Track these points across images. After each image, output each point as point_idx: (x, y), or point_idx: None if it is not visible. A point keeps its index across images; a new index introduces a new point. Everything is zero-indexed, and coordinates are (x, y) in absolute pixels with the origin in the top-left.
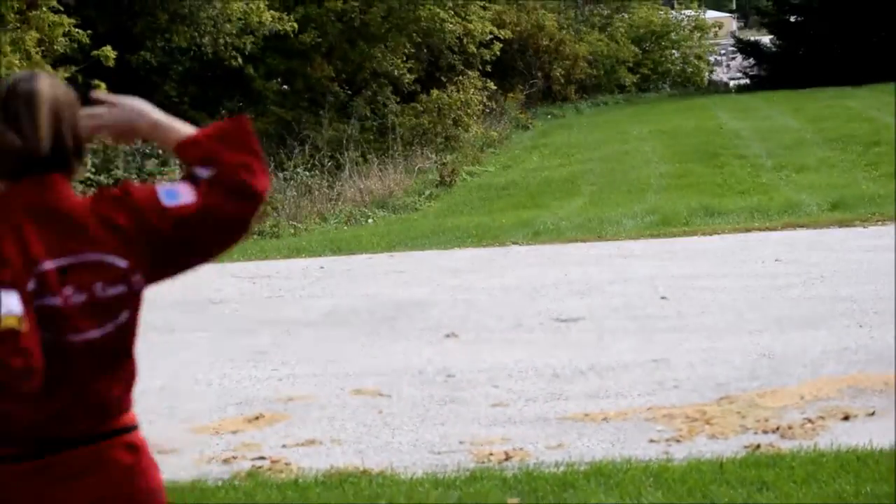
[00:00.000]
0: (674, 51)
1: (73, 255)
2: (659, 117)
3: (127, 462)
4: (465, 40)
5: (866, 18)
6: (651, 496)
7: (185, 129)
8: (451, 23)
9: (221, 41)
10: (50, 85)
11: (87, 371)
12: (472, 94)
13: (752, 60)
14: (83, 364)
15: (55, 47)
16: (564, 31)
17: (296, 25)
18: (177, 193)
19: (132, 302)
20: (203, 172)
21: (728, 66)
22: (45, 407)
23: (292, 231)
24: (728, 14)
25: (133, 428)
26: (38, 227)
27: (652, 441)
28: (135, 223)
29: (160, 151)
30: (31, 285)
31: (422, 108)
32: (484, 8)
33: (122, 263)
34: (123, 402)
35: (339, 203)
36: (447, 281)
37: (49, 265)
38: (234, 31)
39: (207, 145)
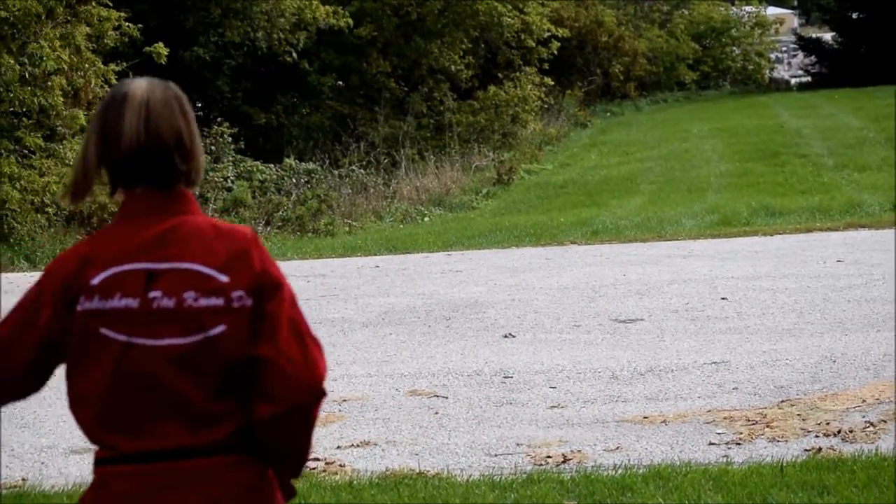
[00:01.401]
0: (734, 48)
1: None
2: (719, 115)
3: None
4: (522, 36)
5: None
6: (710, 500)
7: None
8: (509, 17)
9: (275, 36)
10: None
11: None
12: (530, 90)
13: (813, 58)
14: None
15: (105, 42)
16: (623, 28)
17: (351, 21)
18: None
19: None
20: None
21: (789, 63)
22: None
23: (347, 229)
24: (789, 10)
25: None
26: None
27: (711, 444)
28: None
29: (212, 149)
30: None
31: (479, 105)
32: (542, 4)
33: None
34: None
35: (395, 201)
36: (504, 280)
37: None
38: (288, 27)
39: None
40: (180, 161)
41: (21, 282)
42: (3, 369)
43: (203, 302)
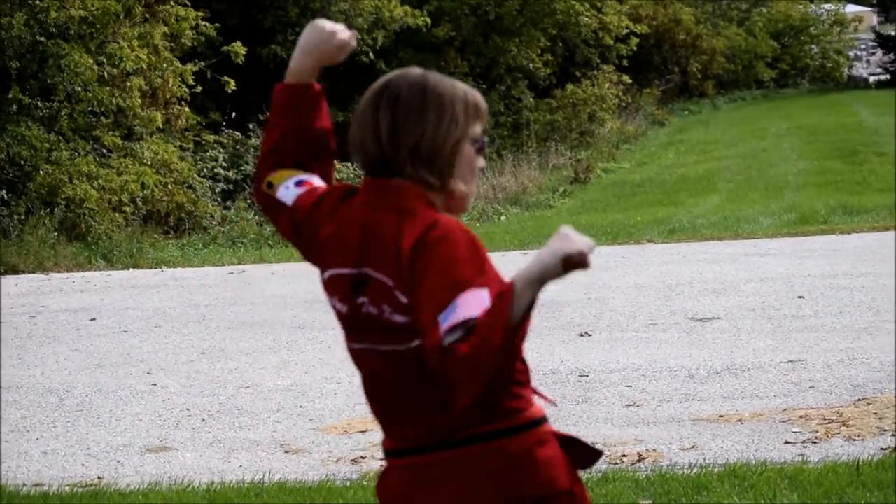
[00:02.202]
0: (813, 46)
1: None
2: (797, 113)
3: None
4: (600, 34)
5: None
6: (786, 499)
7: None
8: (587, 16)
9: None
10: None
11: None
12: (608, 88)
13: (892, 55)
14: None
15: (183, 41)
16: (702, 26)
17: (429, 21)
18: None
19: None
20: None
21: (868, 61)
22: None
23: None
24: (868, 8)
25: None
26: None
27: (787, 443)
28: None
29: None
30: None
31: (556, 104)
32: (620, 1)
33: None
34: None
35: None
36: (580, 279)
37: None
38: (366, 26)
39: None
40: (378, 149)
41: (97, 281)
42: None
43: (398, 318)
